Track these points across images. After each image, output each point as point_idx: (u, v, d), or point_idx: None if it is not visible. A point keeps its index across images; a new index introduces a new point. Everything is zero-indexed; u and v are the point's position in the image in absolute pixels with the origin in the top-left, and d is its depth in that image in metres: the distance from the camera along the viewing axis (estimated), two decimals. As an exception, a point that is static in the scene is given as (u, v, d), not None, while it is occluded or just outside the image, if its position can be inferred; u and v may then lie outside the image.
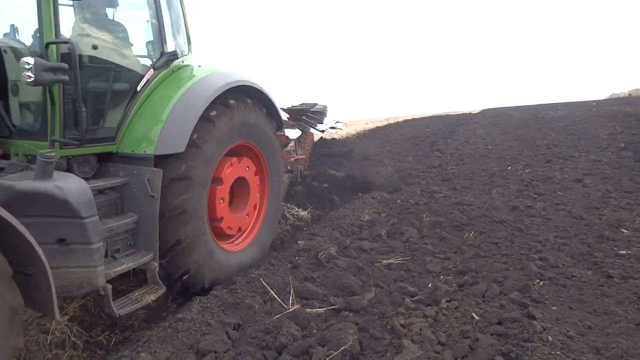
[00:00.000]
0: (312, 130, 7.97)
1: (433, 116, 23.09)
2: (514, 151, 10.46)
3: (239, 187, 4.62)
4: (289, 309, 3.40)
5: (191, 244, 3.76)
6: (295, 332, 3.09)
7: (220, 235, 4.35)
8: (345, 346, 2.79)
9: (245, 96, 4.42)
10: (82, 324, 3.59)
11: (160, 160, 3.60)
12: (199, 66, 4.49)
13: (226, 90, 4.12)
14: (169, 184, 3.59)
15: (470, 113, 23.50)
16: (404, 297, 3.59)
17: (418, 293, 3.67)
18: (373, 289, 3.77)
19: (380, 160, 10.18)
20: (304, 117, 8.03)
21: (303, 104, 11.10)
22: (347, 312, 3.41)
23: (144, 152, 3.59)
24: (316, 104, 11.89)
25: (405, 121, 20.71)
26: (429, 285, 3.81)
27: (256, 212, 4.90)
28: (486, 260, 4.42)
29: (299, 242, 5.11)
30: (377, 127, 18.50)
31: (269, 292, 3.73)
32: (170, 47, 4.18)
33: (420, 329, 2.99)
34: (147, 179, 3.43)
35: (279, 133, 5.31)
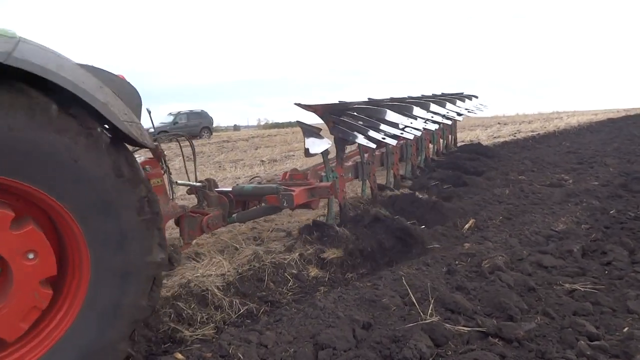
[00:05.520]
0: (361, 141, 4.98)
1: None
2: None
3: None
4: (425, 320, 3.00)
5: None
6: (426, 349, 2.68)
7: None
8: (475, 383, 2.28)
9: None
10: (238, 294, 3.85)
11: None
12: None
13: None
14: None
15: None
16: (580, 337, 2.77)
17: (602, 337, 2.79)
18: (539, 317, 3.03)
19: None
20: (343, 119, 5.11)
21: (442, 93, 8.80)
22: (497, 340, 2.81)
23: None
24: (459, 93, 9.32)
25: (653, 113, 16.64)
26: (624, 330, 2.86)
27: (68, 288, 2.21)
28: None
29: (465, 244, 4.53)
30: (609, 118, 15.38)
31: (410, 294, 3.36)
32: None
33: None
34: None
35: None
